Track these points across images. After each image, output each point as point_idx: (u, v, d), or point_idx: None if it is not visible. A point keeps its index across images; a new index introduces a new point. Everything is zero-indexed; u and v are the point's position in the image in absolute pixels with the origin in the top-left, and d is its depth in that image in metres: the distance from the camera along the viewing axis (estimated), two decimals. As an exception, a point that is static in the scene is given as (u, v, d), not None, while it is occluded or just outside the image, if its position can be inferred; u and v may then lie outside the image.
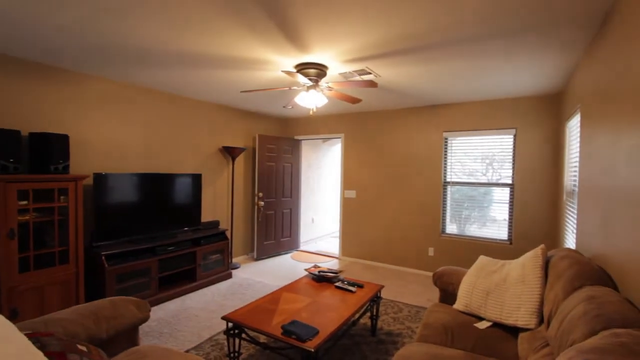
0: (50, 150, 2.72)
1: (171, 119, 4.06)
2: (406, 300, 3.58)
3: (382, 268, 4.81)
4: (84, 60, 2.83)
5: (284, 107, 4.81)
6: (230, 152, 4.67)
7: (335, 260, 5.19)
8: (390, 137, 4.84)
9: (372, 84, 2.88)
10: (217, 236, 4.06)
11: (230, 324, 2.23)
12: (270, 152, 5.21)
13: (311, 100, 3.04)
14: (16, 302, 2.43)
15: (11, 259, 2.39)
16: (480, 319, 2.17)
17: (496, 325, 2.08)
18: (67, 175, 2.72)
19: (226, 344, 2.60)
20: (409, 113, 4.69)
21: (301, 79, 2.91)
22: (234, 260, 4.92)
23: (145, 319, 1.93)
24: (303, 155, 5.97)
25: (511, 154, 4.08)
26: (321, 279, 2.99)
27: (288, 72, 2.79)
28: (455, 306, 2.32)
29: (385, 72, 3.11)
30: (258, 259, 5.07)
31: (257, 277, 4.25)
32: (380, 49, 2.50)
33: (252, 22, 2.10)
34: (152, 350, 1.76)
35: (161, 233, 3.64)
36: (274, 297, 2.58)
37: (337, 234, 7.13)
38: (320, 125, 5.54)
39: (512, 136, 4.05)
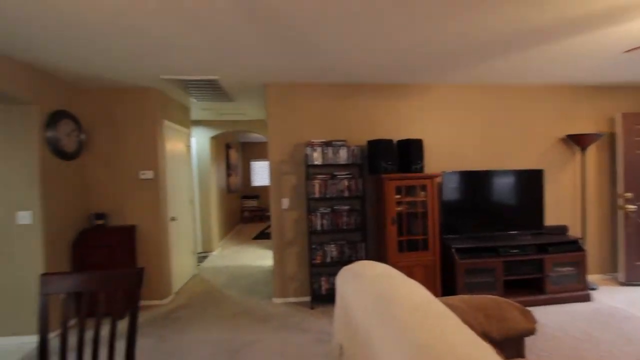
0: (410, 153, 3.23)
1: (504, 112, 3.78)
2: None
3: None
4: (426, 72, 3.18)
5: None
6: (577, 142, 3.71)
7: None
8: None
9: None
10: (566, 245, 3.32)
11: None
12: (643, 136, 3.66)
13: None
14: (394, 275, 3.06)
15: (393, 240, 3.03)
16: None
17: None
18: (425, 174, 3.12)
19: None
20: None
21: None
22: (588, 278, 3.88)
23: (532, 330, 1.74)
24: None
25: None
26: None
27: None
28: None
29: None
30: (627, 283, 3.70)
31: (633, 310, 3.07)
32: None
33: None
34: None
35: (499, 233, 3.46)
36: None
37: None
38: None
39: None
